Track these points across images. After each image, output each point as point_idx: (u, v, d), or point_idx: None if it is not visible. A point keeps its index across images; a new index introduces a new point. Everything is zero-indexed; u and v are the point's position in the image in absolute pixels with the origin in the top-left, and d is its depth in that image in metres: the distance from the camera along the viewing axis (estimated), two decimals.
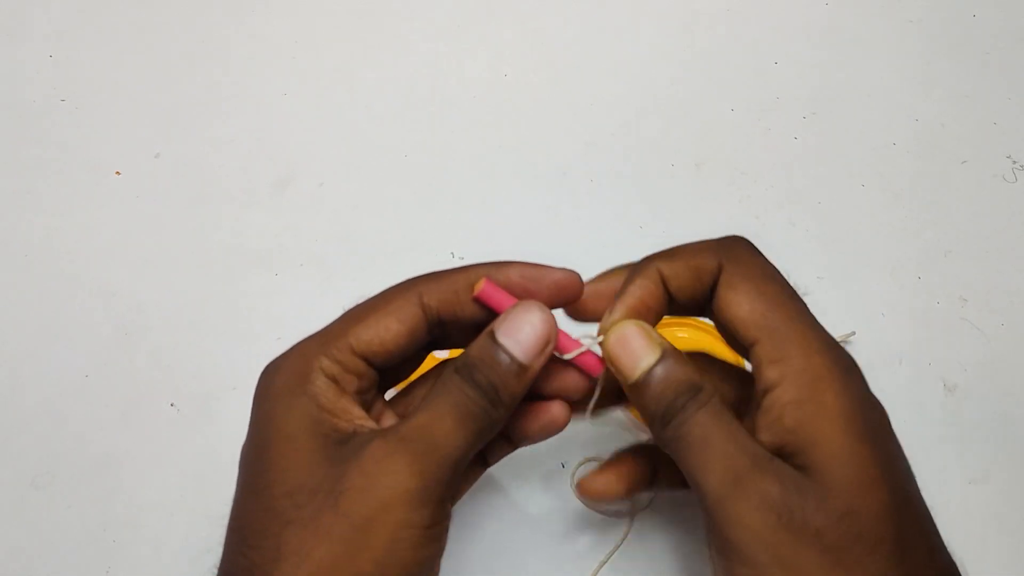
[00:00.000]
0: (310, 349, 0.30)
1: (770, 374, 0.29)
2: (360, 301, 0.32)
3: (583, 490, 0.35)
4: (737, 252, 0.31)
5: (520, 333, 0.30)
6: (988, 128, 0.56)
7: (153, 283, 0.49)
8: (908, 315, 0.48)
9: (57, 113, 0.56)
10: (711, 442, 0.28)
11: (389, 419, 0.32)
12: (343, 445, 0.28)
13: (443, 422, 0.29)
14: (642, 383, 0.30)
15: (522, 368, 0.30)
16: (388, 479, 0.27)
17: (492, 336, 0.30)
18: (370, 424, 0.30)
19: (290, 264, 0.50)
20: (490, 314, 0.31)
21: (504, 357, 0.29)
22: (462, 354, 0.30)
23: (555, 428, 0.33)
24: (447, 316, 0.31)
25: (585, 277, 0.32)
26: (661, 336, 0.31)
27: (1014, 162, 0.54)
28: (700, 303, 0.32)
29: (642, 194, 0.53)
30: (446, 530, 0.29)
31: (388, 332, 0.30)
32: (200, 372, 0.46)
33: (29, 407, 0.45)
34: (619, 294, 0.31)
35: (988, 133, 0.55)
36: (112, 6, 0.61)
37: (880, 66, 0.59)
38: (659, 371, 0.30)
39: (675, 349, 0.31)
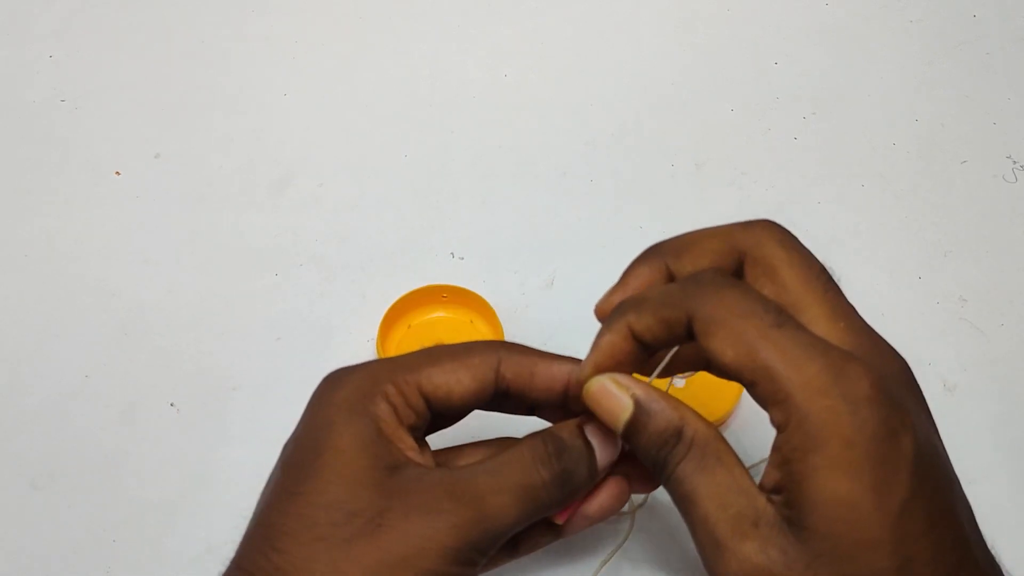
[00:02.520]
0: (380, 372, 0.30)
1: (775, 415, 0.27)
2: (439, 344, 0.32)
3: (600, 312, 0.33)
4: (702, 295, 0.28)
5: (606, 440, 0.31)
6: (988, 128, 0.56)
7: (153, 283, 0.49)
8: (908, 315, 0.48)
9: (57, 113, 0.56)
10: (694, 501, 0.28)
11: (427, 458, 0.32)
12: (392, 473, 0.28)
13: (503, 497, 0.29)
14: (627, 438, 0.30)
15: (595, 471, 0.31)
16: (429, 531, 0.27)
17: (582, 430, 0.30)
18: (421, 459, 0.30)
19: (290, 264, 0.50)
20: (557, 406, 0.32)
21: (588, 454, 0.30)
22: (549, 431, 0.30)
23: (617, 507, 0.33)
24: (515, 391, 0.31)
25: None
26: (635, 383, 0.29)
27: (1014, 162, 0.54)
28: (680, 341, 0.30)
29: (642, 194, 0.53)
30: None
31: (459, 385, 0.30)
32: (200, 372, 0.46)
33: (29, 407, 0.45)
34: (591, 348, 0.30)
35: (988, 133, 0.55)
36: (112, 6, 0.61)
37: (880, 66, 0.59)
38: (635, 426, 0.29)
39: (651, 393, 0.29)
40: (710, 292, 0.28)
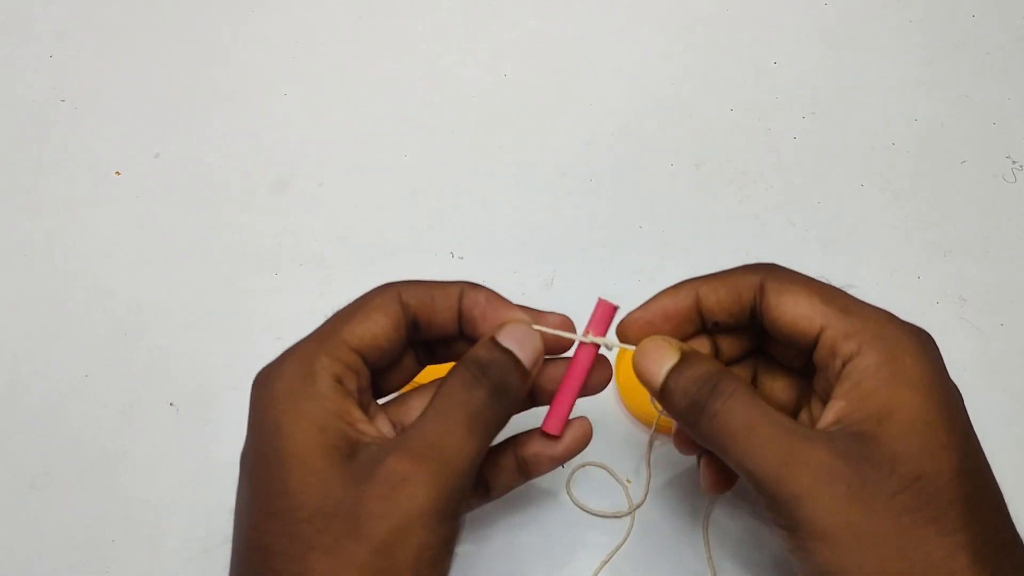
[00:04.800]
0: (308, 350, 0.30)
1: (847, 346, 0.29)
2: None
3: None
4: (775, 268, 0.32)
5: (522, 340, 0.31)
6: (988, 128, 0.56)
7: (153, 283, 0.49)
8: (907, 315, 0.47)
9: (57, 113, 0.56)
10: (755, 426, 0.29)
11: (384, 424, 0.33)
12: (352, 460, 0.28)
13: (455, 434, 0.29)
14: (668, 386, 0.31)
15: (525, 372, 0.31)
16: (405, 503, 0.27)
17: (495, 341, 0.31)
18: (372, 431, 0.30)
19: (290, 264, 0.50)
20: (463, 330, 0.33)
21: (510, 359, 0.31)
22: (466, 356, 0.31)
23: (585, 442, 0.34)
24: (422, 319, 0.32)
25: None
26: (685, 345, 0.32)
27: (1014, 162, 0.54)
28: (740, 320, 0.32)
29: (642, 194, 0.53)
30: (458, 537, 0.30)
31: (377, 326, 0.31)
32: (200, 372, 0.46)
33: (29, 407, 0.45)
34: (644, 303, 0.33)
35: (988, 133, 0.55)
36: (112, 6, 0.62)
37: (880, 66, 0.59)
38: (680, 370, 0.30)
39: (696, 351, 0.31)
40: (781, 267, 0.32)
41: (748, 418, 0.29)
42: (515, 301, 0.48)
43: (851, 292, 0.31)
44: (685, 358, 0.31)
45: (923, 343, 0.30)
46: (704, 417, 0.30)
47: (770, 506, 0.29)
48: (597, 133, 0.56)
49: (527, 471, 0.35)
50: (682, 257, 0.50)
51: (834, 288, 0.31)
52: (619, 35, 0.61)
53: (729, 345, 0.34)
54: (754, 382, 0.35)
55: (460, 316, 0.32)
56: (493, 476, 0.34)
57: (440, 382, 0.31)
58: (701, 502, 0.41)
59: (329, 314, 0.32)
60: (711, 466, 0.35)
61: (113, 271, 0.50)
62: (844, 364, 0.29)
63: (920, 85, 0.58)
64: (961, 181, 0.53)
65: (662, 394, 0.31)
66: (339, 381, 0.30)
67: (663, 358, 0.31)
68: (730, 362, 0.35)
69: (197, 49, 0.60)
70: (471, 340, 0.33)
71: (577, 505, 0.42)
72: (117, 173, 0.54)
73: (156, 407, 0.45)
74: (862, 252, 0.50)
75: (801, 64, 0.59)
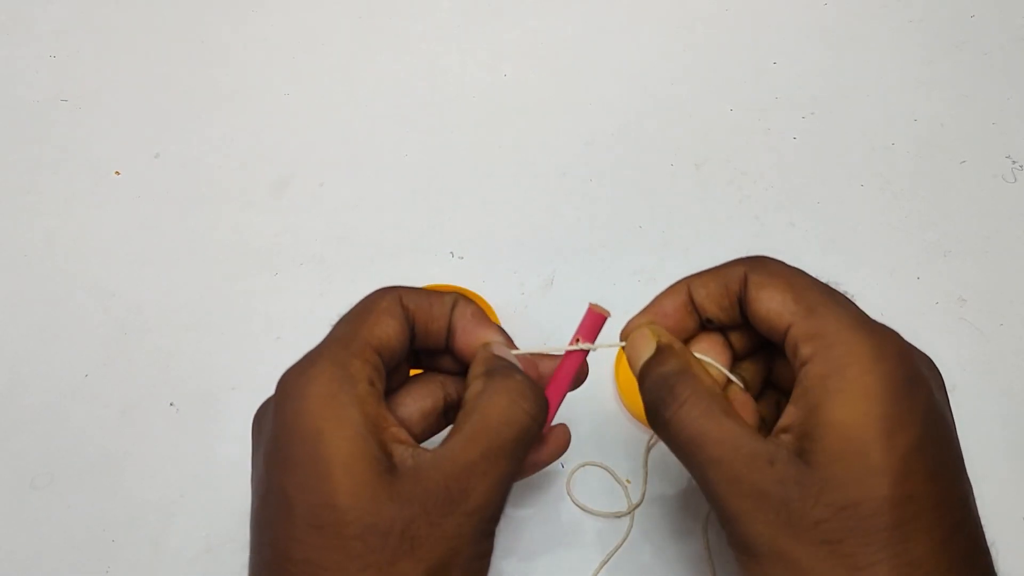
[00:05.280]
0: (337, 353, 0.29)
1: (805, 349, 0.28)
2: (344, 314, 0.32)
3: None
4: (763, 259, 0.32)
5: (512, 359, 0.32)
6: (988, 128, 0.56)
7: (153, 283, 0.49)
8: (907, 315, 0.48)
9: (57, 113, 0.56)
10: (702, 444, 0.29)
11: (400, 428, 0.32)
12: (395, 475, 0.28)
13: (500, 456, 0.29)
14: (641, 380, 0.31)
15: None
16: (455, 527, 0.28)
17: (500, 356, 0.32)
18: (402, 436, 0.29)
19: (290, 264, 0.50)
20: (448, 345, 0.33)
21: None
22: (500, 368, 0.31)
23: (565, 447, 0.35)
24: (419, 325, 0.32)
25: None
26: (667, 335, 0.32)
27: (1014, 162, 0.54)
28: (731, 314, 0.32)
29: (642, 194, 0.53)
30: (494, 543, 0.30)
31: (391, 328, 0.31)
32: (200, 372, 0.46)
33: (29, 407, 0.45)
34: (645, 306, 0.33)
35: (988, 133, 0.55)
36: (112, 6, 0.62)
37: (880, 66, 0.59)
38: (650, 365, 0.31)
39: (675, 345, 0.31)
40: (768, 258, 0.32)
41: (696, 431, 0.29)
42: (515, 301, 0.48)
43: (837, 289, 0.31)
44: (658, 352, 0.31)
45: (880, 352, 0.28)
46: (658, 422, 0.30)
47: (717, 517, 0.29)
48: (597, 133, 0.56)
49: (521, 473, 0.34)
50: (682, 257, 0.50)
51: (814, 284, 0.30)
52: (619, 35, 0.61)
53: (738, 338, 0.34)
54: (770, 370, 0.35)
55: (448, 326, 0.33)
56: None
57: (432, 376, 0.32)
58: (701, 502, 0.41)
59: (329, 315, 0.32)
60: None
61: (113, 271, 0.50)
62: (801, 366, 0.29)
63: (920, 85, 0.58)
64: (961, 181, 0.53)
65: (640, 388, 0.31)
66: (372, 384, 0.29)
67: (642, 350, 0.31)
68: (745, 354, 0.34)
69: (197, 49, 0.60)
70: (453, 352, 0.33)
71: (577, 505, 0.42)
72: (117, 173, 0.54)
73: (156, 407, 0.45)
74: (862, 252, 0.51)
75: (801, 64, 0.59)
